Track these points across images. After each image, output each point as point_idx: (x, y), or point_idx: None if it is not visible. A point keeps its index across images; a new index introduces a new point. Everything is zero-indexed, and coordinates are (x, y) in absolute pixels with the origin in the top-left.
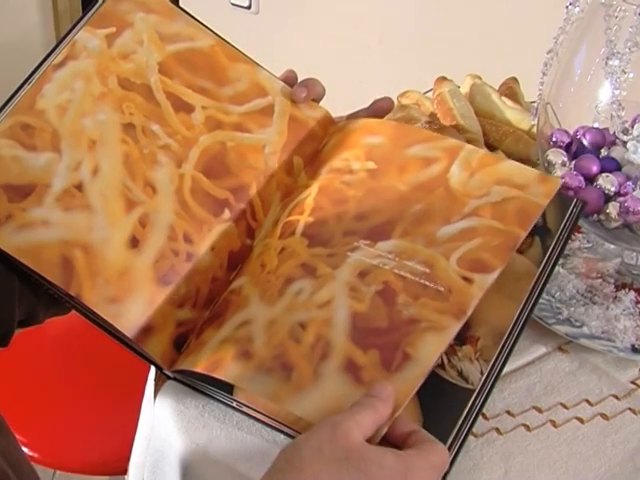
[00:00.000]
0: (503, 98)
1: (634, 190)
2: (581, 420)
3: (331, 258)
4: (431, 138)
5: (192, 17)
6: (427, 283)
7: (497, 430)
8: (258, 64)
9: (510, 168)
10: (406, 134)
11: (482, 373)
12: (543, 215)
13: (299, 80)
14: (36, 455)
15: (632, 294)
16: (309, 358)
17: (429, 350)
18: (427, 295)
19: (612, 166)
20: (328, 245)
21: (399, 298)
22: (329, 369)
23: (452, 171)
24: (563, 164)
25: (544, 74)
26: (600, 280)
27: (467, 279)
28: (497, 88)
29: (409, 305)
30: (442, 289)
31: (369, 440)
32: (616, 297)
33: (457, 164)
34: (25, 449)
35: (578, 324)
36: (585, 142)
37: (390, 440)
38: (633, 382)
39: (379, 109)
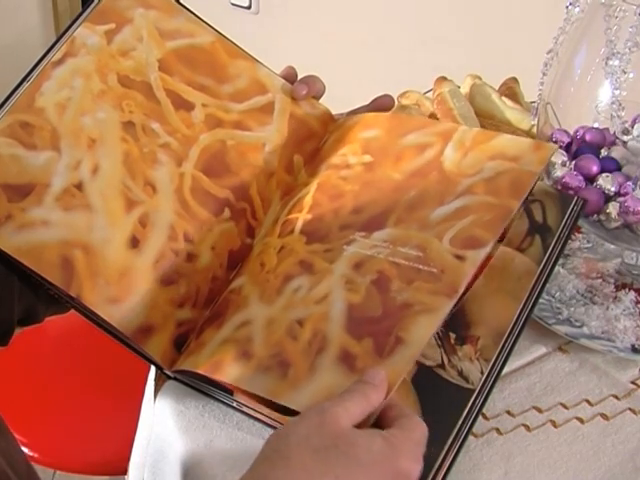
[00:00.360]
0: (503, 98)
1: (634, 190)
2: (581, 420)
3: (328, 253)
4: (426, 124)
5: (192, 13)
6: (420, 266)
7: (497, 430)
8: (258, 61)
9: (504, 142)
10: (401, 124)
11: (482, 373)
12: (544, 213)
13: (299, 77)
14: (36, 455)
15: (632, 294)
16: (306, 353)
17: (421, 332)
18: (421, 278)
19: (612, 166)
20: (325, 240)
21: (393, 285)
22: (325, 362)
23: (446, 153)
24: (563, 164)
25: (544, 74)
26: (600, 280)
27: (459, 257)
28: (497, 88)
29: (403, 290)
30: (435, 270)
31: (360, 425)
32: (616, 297)
33: (451, 146)
34: (25, 449)
35: (578, 324)
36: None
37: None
38: (633, 382)
39: (379, 106)
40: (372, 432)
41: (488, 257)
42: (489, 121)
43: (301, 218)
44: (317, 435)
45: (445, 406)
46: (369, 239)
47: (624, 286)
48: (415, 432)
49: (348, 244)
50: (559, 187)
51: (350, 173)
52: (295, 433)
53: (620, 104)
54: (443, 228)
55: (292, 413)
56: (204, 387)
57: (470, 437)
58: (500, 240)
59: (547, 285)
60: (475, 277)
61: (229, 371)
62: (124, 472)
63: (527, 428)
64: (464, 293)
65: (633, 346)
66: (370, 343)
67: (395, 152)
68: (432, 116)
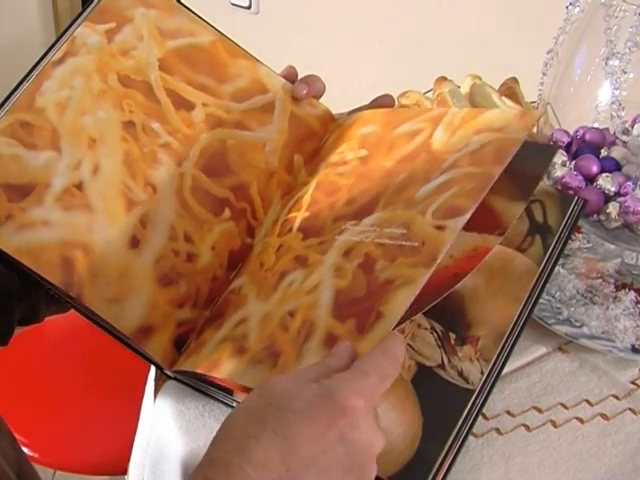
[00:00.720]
0: (503, 98)
1: (634, 190)
2: (581, 420)
3: (321, 245)
4: (419, 113)
5: (193, 13)
6: (403, 243)
7: (497, 430)
8: (259, 60)
9: (490, 116)
10: (396, 117)
11: (482, 373)
12: (544, 213)
13: (299, 77)
14: (36, 455)
15: (632, 294)
16: (294, 342)
17: (398, 303)
18: (403, 254)
19: (612, 166)
20: (320, 234)
21: (378, 264)
22: (311, 347)
23: (435, 136)
24: (563, 164)
25: (544, 74)
26: (600, 280)
27: (440, 227)
28: (497, 88)
29: (386, 268)
30: (416, 244)
31: None
32: (616, 297)
33: (440, 128)
34: (25, 449)
35: (578, 324)
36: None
37: None
38: (633, 382)
39: (380, 106)
40: (309, 384)
41: (487, 249)
42: None
43: (299, 216)
44: (256, 402)
45: (445, 406)
46: (359, 226)
47: (624, 286)
48: (358, 369)
49: (340, 234)
50: (559, 187)
51: (346, 169)
52: (239, 409)
53: (620, 104)
54: (427, 203)
55: None
56: (204, 387)
57: (470, 437)
58: (501, 234)
59: (547, 285)
60: (470, 267)
61: (223, 367)
62: (124, 472)
63: (527, 428)
64: (458, 280)
65: (633, 346)
66: (353, 323)
67: (388, 142)
68: None
